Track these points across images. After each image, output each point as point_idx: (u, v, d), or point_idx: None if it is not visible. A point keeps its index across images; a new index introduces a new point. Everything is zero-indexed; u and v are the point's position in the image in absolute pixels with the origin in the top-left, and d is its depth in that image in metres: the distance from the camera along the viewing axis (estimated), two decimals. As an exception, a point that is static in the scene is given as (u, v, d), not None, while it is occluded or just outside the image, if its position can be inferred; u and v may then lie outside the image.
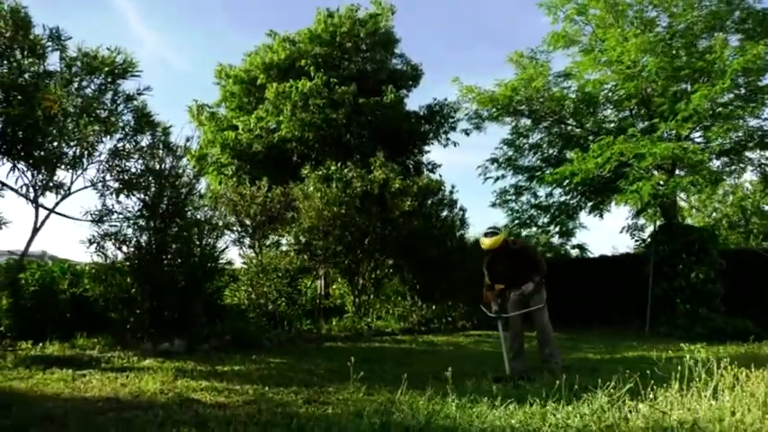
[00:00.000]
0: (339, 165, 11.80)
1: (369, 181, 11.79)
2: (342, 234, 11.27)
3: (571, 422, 3.31)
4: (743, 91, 11.34)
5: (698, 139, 12.55)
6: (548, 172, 13.16)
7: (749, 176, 12.70)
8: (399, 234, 12.06)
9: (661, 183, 10.39)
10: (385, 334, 11.89)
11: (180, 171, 8.92)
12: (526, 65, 13.49)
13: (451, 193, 13.39)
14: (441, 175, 13.22)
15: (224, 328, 9.10)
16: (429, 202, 13.23)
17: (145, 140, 8.40)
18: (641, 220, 14.73)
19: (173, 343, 8.08)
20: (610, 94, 13.26)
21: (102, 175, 8.17)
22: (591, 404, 3.69)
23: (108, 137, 8.09)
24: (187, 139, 8.80)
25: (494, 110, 13.38)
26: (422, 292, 13.79)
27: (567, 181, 12.06)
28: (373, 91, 14.00)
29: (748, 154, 12.34)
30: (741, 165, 12.52)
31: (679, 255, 12.29)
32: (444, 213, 13.30)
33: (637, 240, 14.37)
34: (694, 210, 26.49)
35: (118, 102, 7.92)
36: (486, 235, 6.56)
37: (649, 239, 13.30)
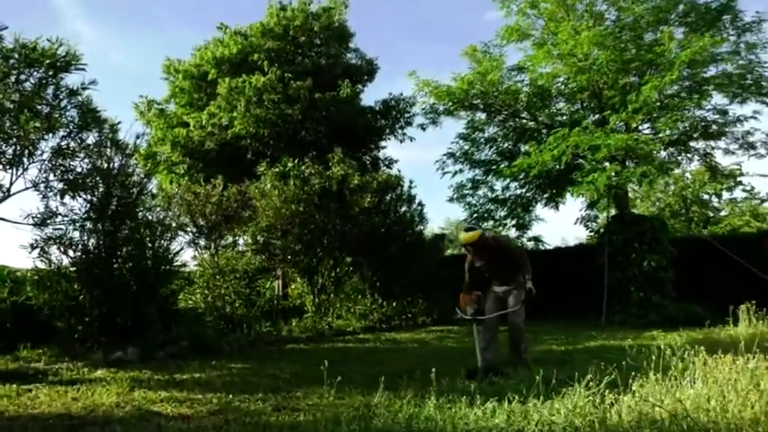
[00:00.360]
0: (296, 161, 11.52)
1: (327, 177, 11.56)
2: (301, 232, 11.01)
3: (556, 419, 3.23)
4: (688, 83, 11.70)
5: (646, 131, 12.92)
6: (504, 165, 13.27)
7: (693, 166, 13.09)
8: (359, 231, 11.89)
9: (615, 174, 10.60)
10: (347, 333, 11.72)
11: (130, 170, 8.47)
12: (480, 59, 13.54)
13: (410, 188, 13.33)
14: (399, 171, 13.14)
15: (180, 333, 8.71)
16: (388, 197, 13.12)
17: (91, 138, 7.92)
18: (594, 212, 15.07)
19: (125, 351, 7.66)
20: (562, 87, 13.47)
21: (44, 175, 7.64)
22: (571, 398, 3.64)
23: (50, 134, 7.57)
24: (137, 136, 8.39)
25: (450, 104, 13.36)
26: (382, 290, 13.69)
27: (524, 174, 12.17)
28: (329, 86, 13.75)
29: (693, 144, 12.79)
30: (688, 155, 12.96)
31: (632, 244, 12.62)
32: (403, 209, 13.22)
33: (591, 231, 14.69)
34: (639, 200, 27.42)
35: (60, 97, 7.42)
36: (465, 230, 6.62)
37: (602, 230, 13.61)
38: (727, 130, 12.34)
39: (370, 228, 11.80)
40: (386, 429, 3.45)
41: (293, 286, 13.52)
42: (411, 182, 13.41)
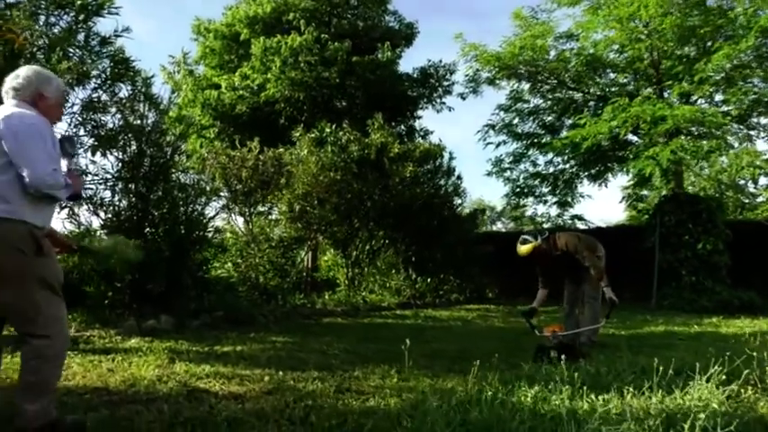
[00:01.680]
0: (334, 127, 10.88)
1: (366, 145, 10.92)
2: (338, 202, 10.41)
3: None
4: (755, 53, 10.74)
5: (703, 105, 12.04)
6: (555, 137, 12.48)
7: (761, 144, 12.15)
8: (398, 203, 11.27)
9: (681, 148, 9.79)
10: (382, 309, 11.21)
11: (164, 128, 7.90)
12: (531, 23, 12.67)
13: (450, 159, 12.64)
14: (440, 140, 12.45)
15: (213, 303, 8.25)
16: (427, 168, 12.45)
17: (123, 91, 7.34)
18: (642, 191, 14.26)
19: (159, 320, 7.19)
20: (616, 56, 12.57)
21: (74, 129, 7.10)
22: (697, 392, 3.01)
23: (80, 86, 7.01)
24: (172, 91, 7.78)
25: (496, 70, 12.54)
26: (416, 265, 13.15)
27: (574, 147, 11.38)
28: (365, 50, 13.02)
29: (756, 120, 11.87)
30: (750, 131, 12.06)
31: (685, 225, 11.86)
32: (442, 182, 12.55)
33: (638, 211, 13.90)
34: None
35: (92, 44, 6.83)
36: (521, 243, 6.03)
37: (653, 210, 12.81)
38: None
39: (409, 199, 11.16)
40: (495, 419, 2.86)
41: (325, 257, 13.00)
42: (451, 153, 12.71)
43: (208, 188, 8.61)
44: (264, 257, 9.60)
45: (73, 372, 4.62)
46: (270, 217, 10.33)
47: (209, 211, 8.56)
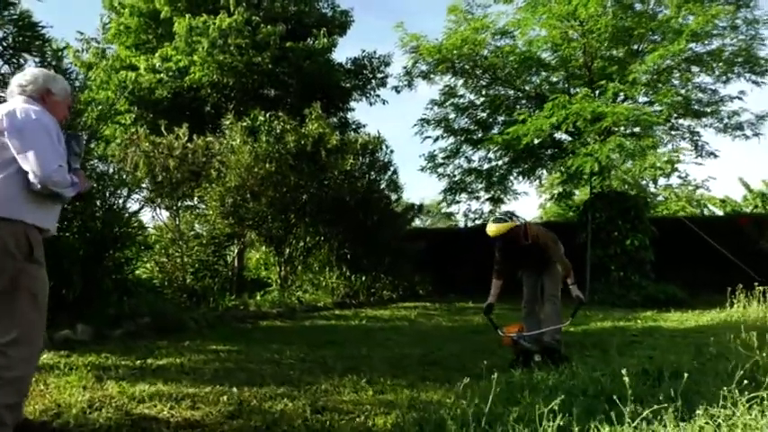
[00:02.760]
0: (268, 116, 10.12)
1: (302, 135, 10.26)
2: (274, 195, 9.69)
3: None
4: (683, 56, 11.20)
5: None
6: (488, 134, 12.40)
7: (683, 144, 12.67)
8: (336, 197, 10.71)
9: (618, 146, 9.98)
10: (319, 309, 10.61)
11: (79, 108, 6.87)
12: (467, 18, 12.50)
13: (389, 152, 12.23)
14: (378, 132, 11.97)
15: (137, 307, 7.31)
16: (364, 162, 11.96)
17: (30, 63, 6.27)
18: (567, 189, 14.59)
19: (75, 329, 6.22)
20: (550, 55, 12.70)
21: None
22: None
23: (-26, 55, 5.91)
24: (89, 67, 6.75)
25: (436, 63, 12.27)
26: (350, 263, 12.65)
27: (512, 143, 11.32)
28: (299, 36, 12.30)
29: (681, 121, 12.43)
30: (673, 132, 12.60)
31: (615, 221, 12.20)
32: (380, 176, 12.12)
33: (571, 207, 14.19)
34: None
35: (-11, 5, 5.75)
36: (494, 221, 5.43)
37: (584, 206, 13.10)
38: (712, 109, 12.02)
39: (348, 194, 10.63)
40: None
41: (257, 256, 12.17)
42: (388, 146, 12.30)
43: (129, 179, 7.64)
44: (193, 256, 8.73)
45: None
46: (198, 211, 9.40)
47: (132, 205, 7.61)
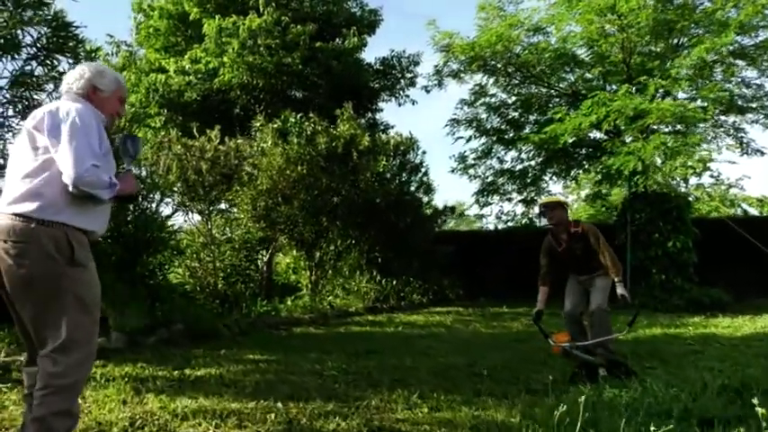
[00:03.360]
0: (299, 117, 9.92)
1: (334, 137, 10.04)
2: (305, 198, 9.48)
3: None
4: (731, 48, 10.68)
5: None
6: (520, 133, 12.02)
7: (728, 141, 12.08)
8: (368, 199, 10.46)
9: (663, 144, 9.55)
10: (351, 314, 10.37)
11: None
12: (503, 15, 12.16)
13: (423, 154, 11.95)
14: (411, 132, 11.69)
15: (170, 314, 7.15)
16: (395, 163, 11.70)
17: (64, 64, 6.13)
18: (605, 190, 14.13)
19: (109, 337, 6.08)
20: (586, 51, 12.28)
21: (0, 109, 5.86)
22: None
23: (8, 56, 5.78)
24: (120, 70, 6.62)
25: (469, 61, 11.94)
26: (381, 267, 12.39)
27: (554, 141, 10.93)
28: (328, 36, 12.10)
29: (724, 117, 11.89)
30: (718, 129, 12.07)
31: (656, 223, 11.74)
32: (412, 177, 11.84)
33: (608, 208, 13.74)
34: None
35: (23, 5, 5.62)
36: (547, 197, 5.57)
37: (623, 207, 12.64)
38: (757, 104, 11.49)
39: (381, 196, 10.37)
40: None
41: (285, 260, 11.99)
42: (419, 147, 12.00)
43: (161, 182, 7.49)
44: (225, 260, 8.56)
45: (10, 414, 3.57)
46: (229, 215, 9.22)
47: (164, 209, 7.47)
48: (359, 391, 4.35)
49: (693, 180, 16.57)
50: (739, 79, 11.74)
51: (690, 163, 11.14)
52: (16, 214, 2.37)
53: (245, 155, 8.53)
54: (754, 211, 23.76)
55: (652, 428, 2.58)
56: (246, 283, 8.88)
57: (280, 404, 3.88)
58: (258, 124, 9.96)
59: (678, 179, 27.35)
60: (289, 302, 10.22)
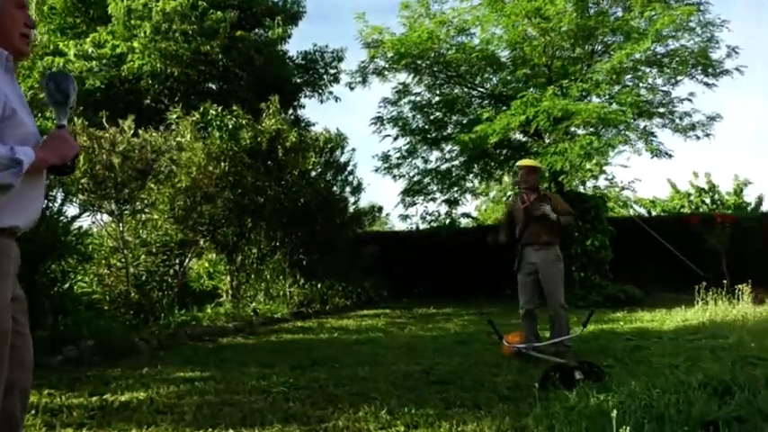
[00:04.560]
0: (221, 109, 9.18)
1: (259, 132, 9.40)
2: (229, 198, 8.77)
3: None
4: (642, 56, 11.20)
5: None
6: (461, 132, 11.96)
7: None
8: (294, 199, 9.91)
9: (589, 144, 9.82)
10: (277, 321, 9.76)
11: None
12: (430, 13, 12.03)
13: (352, 152, 11.55)
14: (338, 129, 11.23)
15: (78, 329, 6.25)
16: (320, 161, 11.21)
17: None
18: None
19: (4, 359, 5.13)
20: (509, 53, 12.47)
21: None
22: None
23: None
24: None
25: (396, 58, 11.68)
26: (306, 270, 11.87)
27: (483, 141, 10.93)
28: (249, 26, 11.38)
29: (635, 122, 12.47)
30: (631, 132, 12.64)
31: (575, 222, 12.10)
32: (340, 176, 11.42)
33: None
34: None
35: None
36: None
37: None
38: (665, 110, 12.18)
39: (310, 196, 9.85)
40: None
41: (203, 264, 11.11)
42: (349, 144, 11.58)
43: (66, 179, 6.55)
44: (140, 266, 7.68)
45: None
46: (144, 216, 8.29)
47: (69, 209, 6.53)
48: (318, 409, 3.88)
49: (590, 183, 17.53)
50: (648, 85, 12.37)
51: (588, 166, 11.60)
52: None
53: (163, 149, 7.70)
54: (642, 211, 25.47)
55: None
56: (164, 290, 8.03)
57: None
58: (175, 116, 9.10)
59: (577, 181, 28.90)
60: (209, 310, 9.43)
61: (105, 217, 7.52)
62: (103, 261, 7.59)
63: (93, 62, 10.00)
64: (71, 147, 1.99)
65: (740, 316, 7.90)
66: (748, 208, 20.24)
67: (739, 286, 9.08)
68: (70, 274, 6.69)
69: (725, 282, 9.50)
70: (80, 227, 6.52)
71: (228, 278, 10.43)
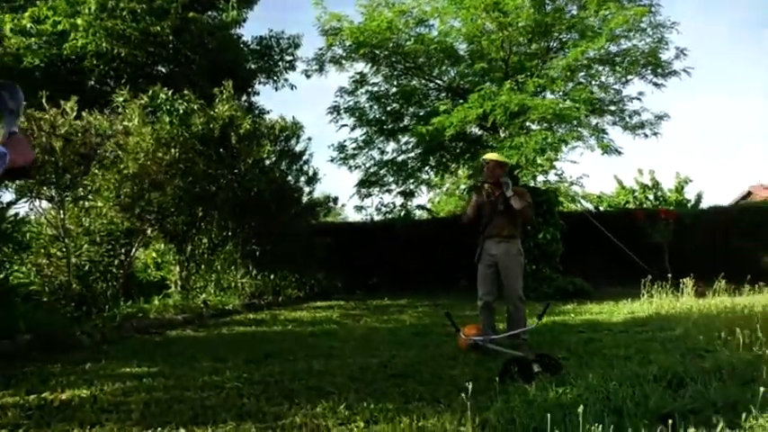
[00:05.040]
0: (171, 93, 8.81)
1: (211, 118, 9.08)
2: (179, 186, 8.43)
3: None
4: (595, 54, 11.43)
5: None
6: (418, 124, 11.90)
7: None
8: (247, 188, 9.63)
9: (543, 139, 9.95)
10: (229, 313, 9.52)
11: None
12: (390, 2, 11.88)
13: (308, 141, 11.31)
14: (294, 117, 10.96)
15: (17, 322, 5.89)
16: (274, 150, 10.94)
17: None
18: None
19: (-71, 356, 4.81)
20: (466, 47, 12.49)
21: None
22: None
23: None
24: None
25: (355, 46, 11.49)
26: (258, 260, 11.63)
27: (439, 134, 10.91)
28: (201, 8, 10.96)
29: (587, 119, 12.72)
30: (584, 129, 12.90)
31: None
32: (295, 166, 11.19)
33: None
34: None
35: None
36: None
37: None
38: (616, 108, 12.49)
39: (264, 185, 9.60)
40: None
41: (150, 254, 10.68)
42: (305, 133, 11.35)
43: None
44: (82, 256, 7.29)
45: None
46: (88, 203, 7.85)
47: (4, 195, 6.11)
48: (273, 405, 3.75)
49: (540, 178, 17.91)
50: (600, 83, 12.66)
51: (539, 161, 11.81)
52: None
53: (108, 133, 7.31)
54: (589, 206, 26.23)
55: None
56: (109, 281, 7.66)
57: (183, 431, 3.19)
58: (121, 99, 8.68)
59: (529, 176, 29.29)
60: (156, 302, 9.08)
61: (45, 204, 7.09)
62: (42, 250, 7.16)
63: (32, 39, 9.40)
64: (29, 154, 2.01)
65: (685, 309, 8.19)
66: (689, 205, 21.16)
67: (682, 280, 9.42)
68: (6, 263, 6.27)
69: (669, 275, 9.86)
70: (16, 213, 6.10)
71: (177, 269, 10.09)
